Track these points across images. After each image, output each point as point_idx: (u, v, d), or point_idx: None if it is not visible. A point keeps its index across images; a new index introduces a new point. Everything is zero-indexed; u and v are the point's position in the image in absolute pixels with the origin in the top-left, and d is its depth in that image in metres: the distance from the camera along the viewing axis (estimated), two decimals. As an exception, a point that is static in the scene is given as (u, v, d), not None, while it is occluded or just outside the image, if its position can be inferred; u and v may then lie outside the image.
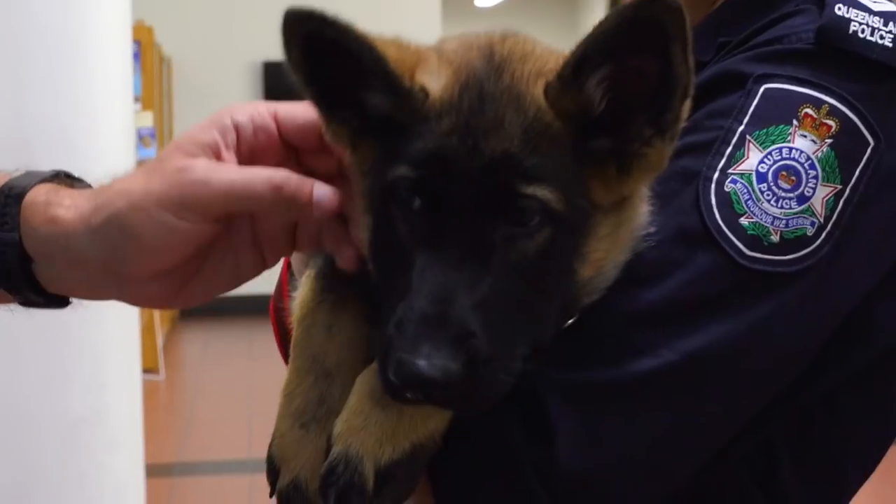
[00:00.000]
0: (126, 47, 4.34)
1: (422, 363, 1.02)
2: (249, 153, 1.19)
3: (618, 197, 1.14)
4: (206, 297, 1.23)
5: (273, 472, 1.21)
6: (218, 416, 7.88)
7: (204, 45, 11.32)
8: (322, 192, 1.14)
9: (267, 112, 1.20)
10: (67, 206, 1.17)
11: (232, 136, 1.18)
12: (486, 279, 1.07)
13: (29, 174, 1.23)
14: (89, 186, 1.24)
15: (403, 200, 1.11)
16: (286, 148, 1.21)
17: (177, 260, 1.16)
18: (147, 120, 9.13)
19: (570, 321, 1.18)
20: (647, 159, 1.13)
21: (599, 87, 1.10)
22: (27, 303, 1.23)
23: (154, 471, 5.43)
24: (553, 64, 1.13)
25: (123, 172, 1.21)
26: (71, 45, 3.86)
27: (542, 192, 1.08)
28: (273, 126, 1.19)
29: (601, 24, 1.08)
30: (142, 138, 8.99)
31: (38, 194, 1.19)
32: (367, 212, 1.16)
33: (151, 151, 9.18)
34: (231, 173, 1.14)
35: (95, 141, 3.97)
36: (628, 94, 1.11)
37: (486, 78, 1.12)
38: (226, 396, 8.27)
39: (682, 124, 1.13)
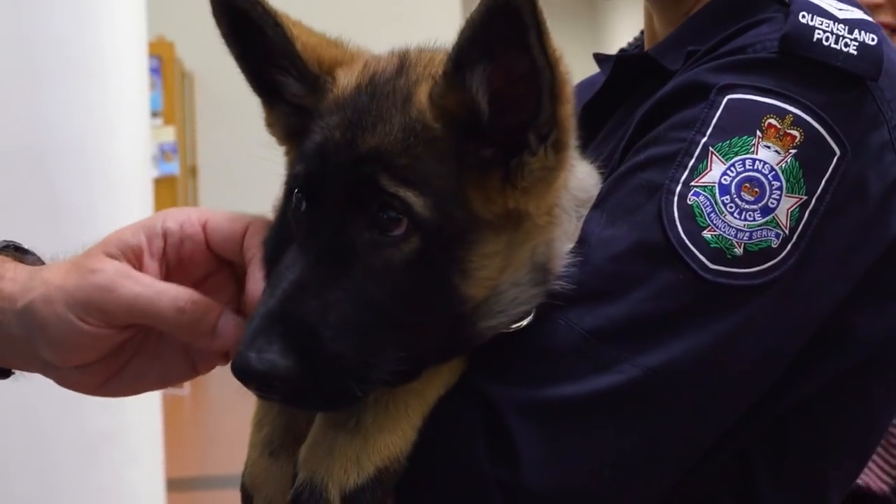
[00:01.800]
0: (142, 62, 4.34)
1: (251, 356, 1.03)
2: (177, 261, 1.17)
3: (502, 210, 1.11)
4: (133, 392, 1.20)
5: (247, 499, 1.21)
6: (242, 429, 7.79)
7: (226, 59, 11.24)
8: (227, 323, 1.12)
9: (198, 220, 1.17)
10: (8, 279, 1.17)
11: (158, 243, 1.16)
12: (342, 282, 1.07)
13: None
14: (40, 261, 1.24)
15: (296, 197, 1.12)
16: (217, 259, 1.19)
17: (90, 357, 1.13)
18: (169, 135, 9.16)
19: (481, 342, 1.15)
20: (534, 171, 1.11)
21: (481, 87, 1.09)
22: None
23: (176, 485, 5.43)
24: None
25: (63, 255, 1.21)
26: (86, 61, 3.88)
27: (407, 194, 1.07)
28: (202, 236, 1.17)
29: (468, 21, 1.07)
30: (164, 153, 9.02)
31: None
32: (279, 205, 1.18)
33: (174, 166, 9.21)
34: (138, 286, 1.11)
35: (111, 155, 3.98)
36: (508, 98, 1.09)
37: (386, 78, 1.13)
38: (250, 410, 8.25)
39: (569, 134, 1.11)
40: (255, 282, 1.13)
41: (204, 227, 1.16)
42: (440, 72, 1.11)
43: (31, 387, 1.29)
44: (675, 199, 1.17)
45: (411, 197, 1.07)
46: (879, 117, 1.23)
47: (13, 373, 1.22)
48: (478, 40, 1.07)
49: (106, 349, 1.13)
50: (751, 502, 1.27)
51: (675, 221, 1.16)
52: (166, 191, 8.97)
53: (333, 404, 1.10)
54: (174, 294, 1.11)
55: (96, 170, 3.93)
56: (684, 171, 1.18)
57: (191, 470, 6.91)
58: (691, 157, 1.18)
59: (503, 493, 1.12)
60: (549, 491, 1.13)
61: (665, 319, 1.15)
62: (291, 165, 1.17)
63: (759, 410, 1.23)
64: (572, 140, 1.14)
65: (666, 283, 1.15)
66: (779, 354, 1.21)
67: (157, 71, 9.07)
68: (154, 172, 8.17)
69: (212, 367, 1.20)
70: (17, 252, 1.24)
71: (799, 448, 1.29)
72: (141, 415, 4.08)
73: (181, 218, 1.17)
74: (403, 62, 1.15)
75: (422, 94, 1.11)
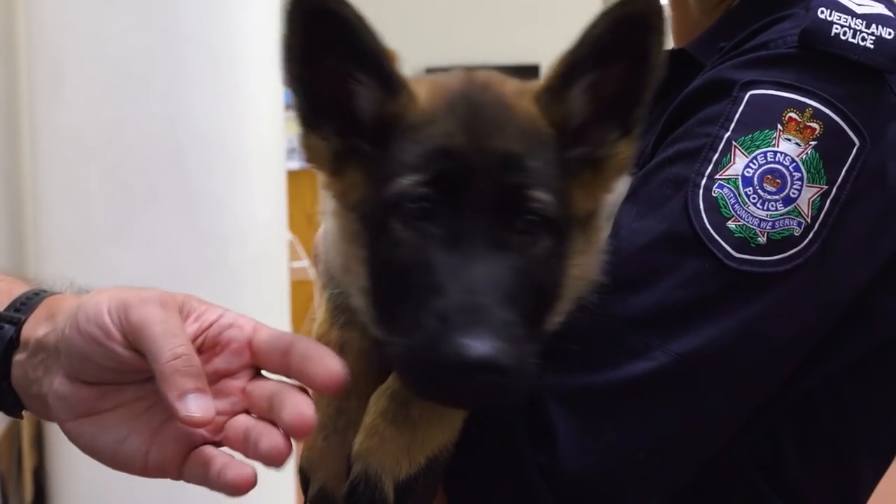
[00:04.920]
0: (276, 56, 4.41)
1: (484, 346, 1.01)
2: (213, 342, 1.13)
3: (592, 207, 1.18)
4: (86, 442, 1.15)
5: (304, 480, 1.29)
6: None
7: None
8: (199, 401, 1.05)
9: (252, 322, 1.14)
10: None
11: (210, 317, 1.13)
12: (507, 275, 1.08)
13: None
14: None
15: (412, 210, 1.09)
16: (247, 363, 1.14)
17: (93, 372, 1.12)
18: (308, 127, 9.28)
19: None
20: (616, 160, 1.17)
21: (583, 94, 1.14)
22: None
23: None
24: (532, 84, 1.16)
25: None
26: (221, 54, 3.96)
27: (544, 196, 1.11)
28: (250, 331, 1.13)
29: (590, 29, 1.11)
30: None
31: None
32: (359, 244, 1.14)
33: (311, 159, 9.33)
34: (161, 316, 1.08)
35: (245, 148, 4.06)
36: (605, 97, 1.15)
37: (472, 92, 1.15)
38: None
39: (643, 122, 1.17)
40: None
41: (254, 329, 1.13)
42: (534, 87, 1.15)
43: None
44: (701, 191, 1.21)
45: (547, 198, 1.11)
46: None
47: (22, 415, 1.24)
48: (595, 53, 1.12)
49: (107, 369, 1.11)
50: (779, 479, 1.31)
51: (700, 213, 1.21)
52: (308, 182, 9.12)
53: (523, 393, 1.10)
54: (182, 342, 1.08)
55: (231, 162, 4.02)
56: (709, 164, 1.22)
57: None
58: (715, 152, 1.23)
59: (543, 476, 1.17)
60: (586, 474, 1.18)
61: (693, 307, 1.19)
62: (363, 196, 1.14)
63: (785, 389, 1.27)
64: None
65: (693, 271, 1.20)
66: (803, 337, 1.25)
67: (299, 64, 9.22)
68: (295, 164, 8.34)
69: (160, 469, 1.14)
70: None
71: (827, 425, 1.32)
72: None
73: (239, 315, 1.15)
74: (474, 80, 1.17)
75: (524, 104, 1.15)
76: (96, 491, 3.97)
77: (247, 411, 1.12)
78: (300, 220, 7.73)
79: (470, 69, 1.21)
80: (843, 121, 1.21)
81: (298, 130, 1.16)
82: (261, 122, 4.20)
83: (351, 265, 1.16)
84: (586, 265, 1.17)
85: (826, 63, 1.24)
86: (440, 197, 1.09)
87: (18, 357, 1.17)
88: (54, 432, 3.99)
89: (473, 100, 1.14)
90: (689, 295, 1.19)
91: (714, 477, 1.29)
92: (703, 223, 1.20)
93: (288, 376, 1.09)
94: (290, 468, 4.06)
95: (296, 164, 8.51)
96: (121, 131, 3.84)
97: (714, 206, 1.21)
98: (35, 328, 1.17)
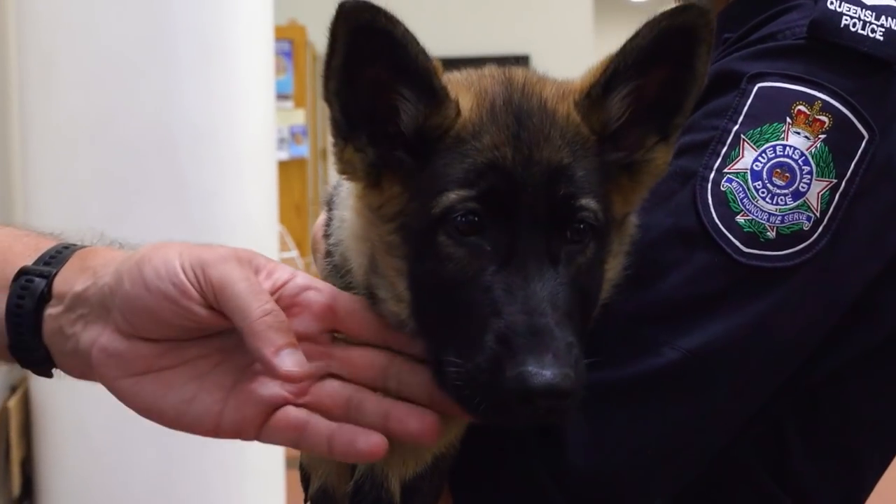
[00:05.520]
0: (268, 46, 4.41)
1: (549, 373, 1.00)
2: (290, 303, 1.12)
3: (631, 210, 1.17)
4: (146, 404, 1.12)
5: (305, 478, 1.28)
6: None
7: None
8: (293, 356, 1.04)
9: (329, 291, 1.13)
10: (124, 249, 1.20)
11: (282, 276, 1.12)
12: (562, 291, 1.07)
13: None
14: None
15: (461, 224, 1.07)
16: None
17: (156, 329, 1.09)
18: (299, 118, 9.30)
19: None
20: (654, 165, 1.16)
21: (623, 101, 1.13)
22: (16, 347, 1.17)
23: (295, 464, 5.50)
24: (570, 86, 1.15)
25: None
26: (214, 45, 3.95)
27: (592, 203, 1.10)
28: (329, 294, 1.13)
29: (634, 38, 1.10)
30: (294, 136, 9.16)
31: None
32: (396, 255, 1.12)
33: (304, 149, 9.34)
34: (244, 273, 1.07)
35: (237, 138, 4.05)
36: (642, 103, 1.14)
37: (515, 97, 1.13)
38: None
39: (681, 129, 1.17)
40: None
41: (334, 296, 1.12)
42: (573, 90, 1.14)
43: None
44: (709, 185, 1.21)
45: (595, 206, 1.10)
46: None
47: (52, 374, 1.20)
48: (638, 62, 1.11)
49: (175, 327, 1.09)
50: (784, 473, 1.31)
51: (709, 207, 1.20)
52: (296, 173, 9.11)
53: (568, 419, 1.11)
54: (269, 299, 1.07)
55: (223, 153, 4.01)
56: (717, 158, 1.22)
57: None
58: (724, 145, 1.22)
59: (552, 475, 1.17)
60: (593, 470, 1.17)
61: (702, 302, 1.19)
62: (405, 207, 1.11)
63: (791, 383, 1.26)
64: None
65: (702, 267, 1.19)
66: (812, 332, 1.24)
67: (288, 54, 9.21)
68: (284, 155, 8.33)
69: (236, 430, 1.11)
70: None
71: (831, 418, 1.32)
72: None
73: (312, 277, 1.14)
74: (512, 81, 1.15)
75: (567, 110, 1.13)
76: (84, 483, 3.96)
77: (332, 375, 1.11)
78: (289, 211, 7.72)
79: (502, 66, 1.19)
80: (852, 114, 1.21)
81: (333, 143, 1.14)
82: (252, 114, 4.19)
83: (386, 273, 1.13)
84: (618, 267, 1.17)
85: (835, 55, 1.23)
86: (490, 212, 1.07)
87: (51, 311, 1.15)
88: (42, 423, 3.98)
89: (516, 107, 1.11)
90: (697, 290, 1.19)
91: (719, 471, 1.28)
92: (712, 217, 1.19)
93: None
94: (280, 464, 4.05)
95: (284, 154, 8.50)
96: (112, 123, 3.83)
97: (723, 200, 1.20)
98: (70, 282, 1.14)
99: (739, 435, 1.26)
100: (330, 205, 1.30)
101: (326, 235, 1.29)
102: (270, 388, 1.09)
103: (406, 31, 1.07)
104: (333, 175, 1.30)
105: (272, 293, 1.09)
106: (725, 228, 1.19)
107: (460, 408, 1.06)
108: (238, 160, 4.08)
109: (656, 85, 1.13)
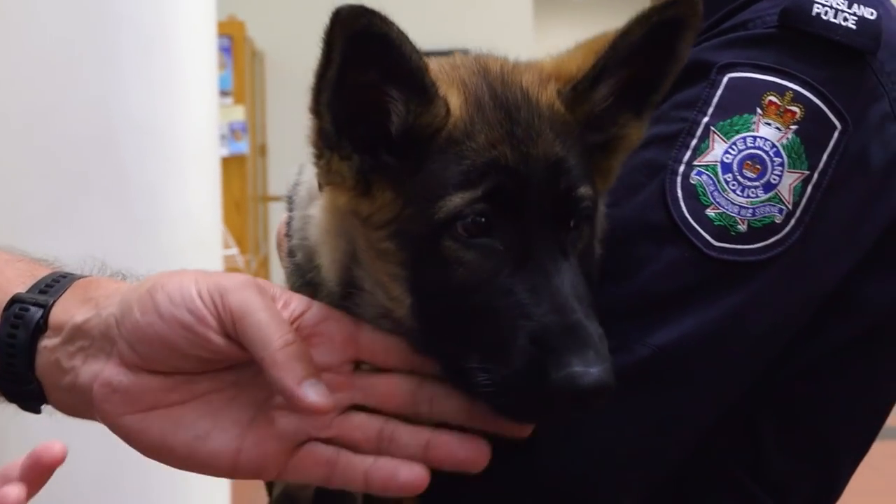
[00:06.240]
0: (211, 41, 4.37)
1: (596, 371, 0.98)
2: (310, 332, 1.08)
3: (608, 187, 1.16)
4: (154, 443, 1.06)
5: (269, 483, 1.26)
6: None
7: (296, 38, 11.31)
8: (316, 388, 0.99)
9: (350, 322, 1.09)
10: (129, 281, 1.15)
11: (299, 307, 1.08)
12: (580, 283, 1.05)
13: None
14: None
15: (469, 227, 1.05)
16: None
17: (166, 360, 1.04)
18: (239, 114, 9.22)
19: None
20: (627, 141, 1.15)
21: (610, 88, 1.12)
22: (7, 380, 1.10)
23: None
24: (544, 70, 1.13)
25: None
26: (156, 40, 3.91)
27: (588, 191, 1.09)
28: (351, 328, 1.09)
29: (625, 34, 1.08)
30: (233, 132, 9.09)
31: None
32: (391, 262, 1.08)
33: (243, 145, 9.27)
34: (264, 301, 1.02)
35: (180, 134, 4.01)
36: (623, 87, 1.12)
37: (499, 90, 1.10)
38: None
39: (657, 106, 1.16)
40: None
41: (357, 326, 1.08)
42: (550, 76, 1.12)
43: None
44: (679, 178, 1.19)
45: (590, 193, 1.09)
46: (879, 90, 1.24)
47: (41, 410, 1.15)
48: (627, 56, 1.10)
49: (188, 357, 1.03)
50: (759, 470, 1.29)
51: (678, 201, 1.18)
52: (236, 169, 9.04)
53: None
54: (290, 329, 1.02)
55: (165, 149, 3.97)
56: (686, 150, 1.20)
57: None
58: (693, 137, 1.20)
59: (521, 474, 1.15)
60: (564, 472, 1.15)
61: (672, 298, 1.17)
62: (400, 213, 1.07)
63: (766, 379, 1.24)
64: None
65: (671, 262, 1.17)
66: (786, 327, 1.22)
67: (227, 50, 9.12)
68: (224, 151, 8.24)
69: (256, 469, 1.06)
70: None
71: (807, 416, 1.30)
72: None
73: (330, 308, 1.10)
74: (489, 71, 1.12)
75: (549, 99, 1.11)
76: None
77: (356, 407, 1.07)
78: (229, 208, 7.65)
79: (472, 54, 1.17)
80: (825, 104, 1.19)
81: (316, 153, 1.09)
82: (195, 109, 4.15)
83: (377, 276, 1.09)
84: (597, 246, 1.16)
85: (807, 44, 1.21)
86: (498, 212, 1.05)
87: (46, 343, 1.09)
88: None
89: (503, 101, 1.09)
90: (667, 286, 1.17)
91: (695, 470, 1.27)
92: (682, 211, 1.17)
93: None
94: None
95: (224, 151, 8.40)
96: (51, 116, 3.76)
97: (692, 193, 1.18)
98: (70, 312, 1.08)
99: (715, 432, 1.24)
100: (290, 204, 1.26)
101: (288, 235, 1.26)
102: (293, 423, 1.05)
103: (399, 31, 1.03)
104: (291, 175, 1.27)
105: (291, 323, 1.05)
106: (695, 222, 1.17)
107: (501, 415, 1.03)
108: (181, 156, 4.04)
109: (639, 70, 1.12)
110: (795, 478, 1.31)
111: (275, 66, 11.33)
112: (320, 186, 1.13)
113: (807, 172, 1.18)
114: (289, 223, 1.26)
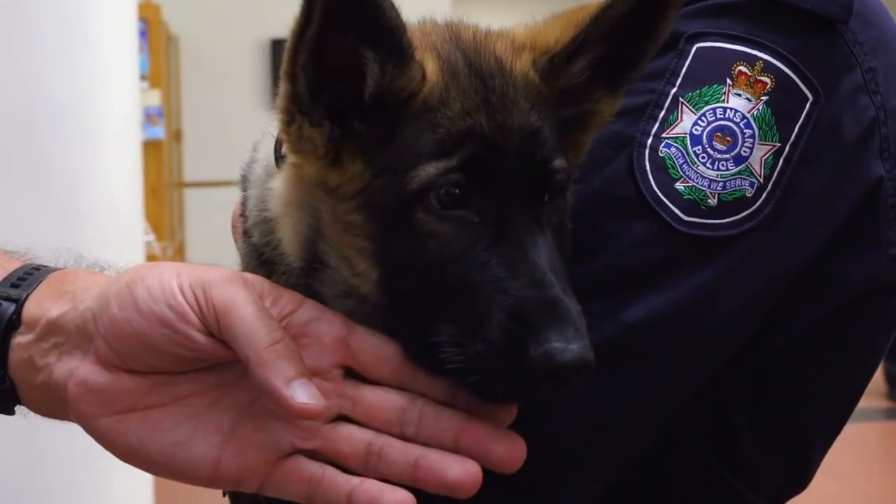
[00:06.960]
0: (131, 25, 4.31)
1: (577, 347, 0.96)
2: (300, 332, 1.02)
3: (580, 161, 1.13)
4: (131, 449, 1.01)
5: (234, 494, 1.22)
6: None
7: (212, 22, 11.27)
8: (304, 387, 0.94)
9: (341, 323, 1.04)
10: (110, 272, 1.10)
11: (288, 306, 1.02)
12: (556, 257, 1.02)
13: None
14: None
15: (442, 198, 1.01)
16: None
17: (145, 359, 0.99)
18: (154, 98, 9.09)
19: None
20: (600, 116, 1.12)
21: (586, 63, 1.09)
22: None
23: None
24: (517, 40, 1.10)
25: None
26: (75, 23, 3.84)
27: (563, 163, 1.06)
28: (341, 330, 1.03)
29: (609, 9, 1.05)
30: (149, 117, 8.96)
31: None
32: (358, 234, 1.04)
33: (158, 130, 9.15)
34: (252, 297, 0.97)
35: (100, 118, 3.95)
36: (600, 62, 1.09)
37: (473, 58, 1.07)
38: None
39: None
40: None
41: (348, 328, 1.03)
42: (524, 45, 1.09)
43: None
44: (647, 151, 1.16)
45: (564, 165, 1.06)
46: (851, 60, 1.22)
47: (13, 410, 1.09)
48: (609, 32, 1.07)
49: (167, 356, 0.99)
50: (731, 455, 1.27)
51: (647, 174, 1.15)
52: (152, 155, 8.91)
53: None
54: (278, 327, 0.97)
55: (86, 133, 3.91)
56: (655, 122, 1.17)
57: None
58: (661, 109, 1.17)
59: None
60: (533, 451, 1.09)
61: (641, 274, 1.14)
62: (370, 183, 1.03)
63: (737, 359, 1.22)
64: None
65: (640, 237, 1.14)
66: (758, 303, 1.20)
67: (143, 34, 8.98)
68: (140, 136, 8.11)
69: (236, 479, 1.01)
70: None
71: (779, 398, 1.28)
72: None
73: (323, 308, 1.04)
74: (461, 38, 1.09)
75: (524, 69, 1.08)
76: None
77: (344, 417, 1.01)
78: (146, 194, 7.54)
79: (442, 20, 1.14)
80: (796, 74, 1.16)
81: (286, 119, 1.04)
82: (116, 93, 4.09)
83: (342, 250, 1.05)
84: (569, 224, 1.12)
85: (776, 12, 1.18)
86: (473, 182, 1.01)
87: (19, 340, 1.03)
88: None
89: (476, 69, 1.05)
90: (636, 262, 1.14)
91: (665, 452, 1.24)
92: (650, 185, 1.14)
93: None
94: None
95: (148, 135, 8.28)
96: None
97: (661, 166, 1.15)
98: (44, 307, 1.03)
99: (686, 416, 1.22)
100: (244, 184, 1.22)
101: (243, 216, 1.21)
102: (277, 431, 1.00)
103: None
104: (243, 155, 1.23)
105: (279, 321, 0.99)
106: (664, 196, 1.14)
107: (473, 394, 0.99)
108: (102, 141, 3.98)
109: (618, 46, 1.09)
110: (767, 463, 1.29)
111: (189, 51, 11.21)
112: (278, 162, 1.10)
113: (778, 145, 1.16)
114: (244, 203, 1.22)
